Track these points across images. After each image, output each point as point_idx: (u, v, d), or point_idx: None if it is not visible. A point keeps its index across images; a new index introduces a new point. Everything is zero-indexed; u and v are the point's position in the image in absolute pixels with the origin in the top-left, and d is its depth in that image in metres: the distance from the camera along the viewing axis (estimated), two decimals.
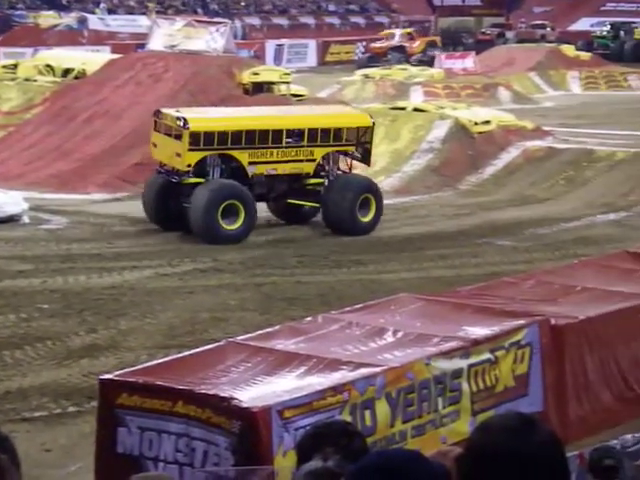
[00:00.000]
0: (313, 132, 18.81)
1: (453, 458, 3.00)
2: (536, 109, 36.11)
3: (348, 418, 7.94)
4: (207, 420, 7.72)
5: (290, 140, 18.69)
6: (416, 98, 35.60)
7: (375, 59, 51.52)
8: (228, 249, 17.83)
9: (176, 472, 7.74)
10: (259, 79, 28.64)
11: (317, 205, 19.15)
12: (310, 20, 65.82)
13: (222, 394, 7.83)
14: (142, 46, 33.57)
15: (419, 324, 9.75)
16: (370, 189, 19.19)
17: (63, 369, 12.04)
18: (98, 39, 50.84)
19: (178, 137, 18.12)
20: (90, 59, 31.98)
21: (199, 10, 58.48)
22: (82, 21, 54.00)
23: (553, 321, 9.95)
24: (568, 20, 68.32)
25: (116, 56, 31.67)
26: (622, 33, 59.07)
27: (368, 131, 19.28)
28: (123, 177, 23.40)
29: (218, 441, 7.65)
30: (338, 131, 19.15)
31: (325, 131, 18.99)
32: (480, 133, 25.22)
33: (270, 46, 54.55)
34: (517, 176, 24.03)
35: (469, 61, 46.67)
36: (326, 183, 19.03)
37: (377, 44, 53.66)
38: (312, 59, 57.76)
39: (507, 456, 2.49)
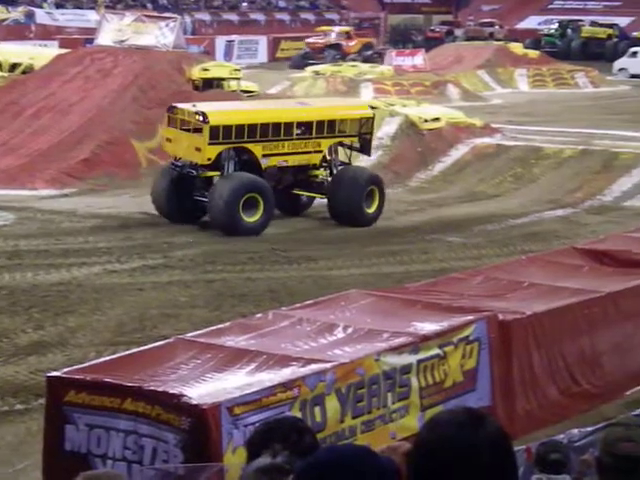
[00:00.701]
0: (320, 124, 19.32)
1: (402, 453, 3.02)
2: (485, 106, 36.38)
3: (298, 414, 7.94)
4: (156, 417, 7.68)
5: (299, 132, 19.19)
6: (366, 95, 35.72)
7: (310, 56, 51.43)
8: (179, 246, 17.76)
9: (125, 469, 7.69)
10: (209, 75, 28.54)
11: (322, 196, 19.57)
12: (260, 16, 65.69)
13: (171, 391, 7.79)
14: (91, 41, 33.29)
15: (369, 320, 9.78)
16: (375, 181, 19.78)
17: (10, 366, 11.91)
18: (46, 34, 50.29)
19: (197, 131, 18.44)
20: (38, 54, 31.69)
21: (148, 5, 58.06)
22: (29, 15, 53.39)
23: (501, 317, 10.03)
24: (516, 18, 68.89)
25: (64, 51, 31.35)
26: (569, 31, 59.68)
27: (369, 122, 19.84)
28: (71, 173, 23.20)
29: (167, 438, 7.62)
30: (343, 122, 19.71)
31: (331, 123, 19.50)
32: (430, 130, 25.36)
33: (220, 42, 54.35)
34: (466, 173, 24.20)
35: (419, 58, 46.88)
36: (328, 175, 19.58)
37: (313, 40, 53.56)
38: (262, 55, 57.66)
39: (456, 451, 2.51)
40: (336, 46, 52.33)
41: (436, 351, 9.34)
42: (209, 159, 18.37)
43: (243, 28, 60.57)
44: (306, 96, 34.63)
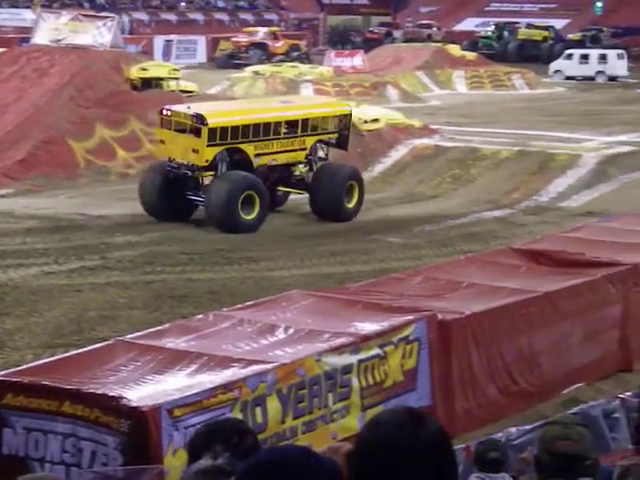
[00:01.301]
0: (305, 122, 19.93)
1: (344, 454, 3.02)
2: (424, 108, 36.60)
3: (239, 415, 7.93)
4: (95, 420, 7.62)
5: (286, 131, 19.74)
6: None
7: (236, 56, 51.27)
8: (117, 247, 17.62)
9: (63, 473, 7.62)
10: (148, 75, 28.35)
11: (303, 192, 20.05)
12: (199, 16, 65.41)
13: (110, 393, 7.73)
14: (27, 40, 32.86)
15: (310, 320, 9.79)
16: (355, 176, 20.38)
17: None
18: None
19: (194, 133, 18.72)
20: None
21: (85, 4, 57.47)
22: None
23: (440, 316, 10.11)
24: (453, 20, 69.47)
25: (0, 50, 30.90)
26: (506, 33, 60.32)
27: (347, 118, 20.55)
28: (8, 173, 22.88)
29: (106, 441, 7.56)
30: (325, 120, 20.36)
31: (314, 120, 20.13)
32: (369, 131, 25.46)
33: (158, 42, 53.99)
34: (405, 174, 24.34)
35: (358, 59, 47.04)
36: (308, 171, 20.07)
37: (239, 38, 53.38)
38: (201, 55, 57.40)
39: (396, 451, 2.52)
40: (262, 46, 52.04)
41: (376, 351, 9.38)
42: (207, 161, 18.71)
43: (181, 28, 60.26)
44: (246, 97, 34.58)
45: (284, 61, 48.12)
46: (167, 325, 10.04)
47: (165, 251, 17.46)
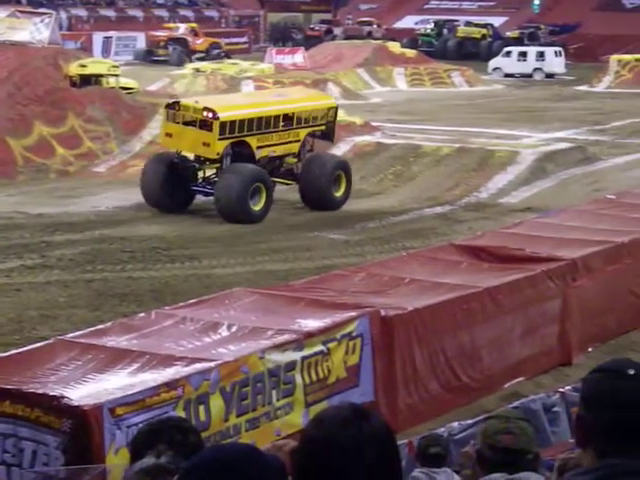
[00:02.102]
0: (300, 115, 20.68)
1: (287, 451, 3.02)
2: (365, 105, 36.71)
3: (182, 414, 7.89)
4: (36, 420, 7.53)
5: (284, 124, 20.39)
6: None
7: (153, 52, 50.88)
8: (57, 246, 17.43)
9: (3, 473, 7.53)
10: (87, 71, 28.08)
11: (292, 183, 20.66)
12: (138, 12, 64.91)
13: (51, 393, 7.65)
14: None
15: (253, 318, 9.78)
16: (342, 166, 20.99)
17: None
18: None
19: (204, 127, 19.18)
20: None
21: (22, 0, 56.74)
22: None
23: (383, 312, 10.15)
24: (393, 17, 69.81)
25: None
26: (445, 31, 60.75)
27: (332, 111, 21.36)
28: None
29: (48, 440, 7.48)
30: (315, 112, 21.09)
31: (307, 113, 20.90)
32: None
33: (97, 38, 53.49)
34: None
35: (299, 56, 47.07)
36: (297, 162, 20.75)
37: (157, 33, 52.97)
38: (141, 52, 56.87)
39: (341, 447, 2.52)
40: (181, 42, 51.55)
41: (320, 348, 9.39)
42: (218, 153, 19.26)
43: (121, 24, 59.76)
44: (186, 93, 34.39)
45: (204, 59, 47.89)
46: (109, 324, 9.96)
47: (106, 249, 17.31)
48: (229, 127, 19.26)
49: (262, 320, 9.70)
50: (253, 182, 19.14)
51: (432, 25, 61.83)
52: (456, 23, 61.85)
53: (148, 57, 49.93)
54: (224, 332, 9.27)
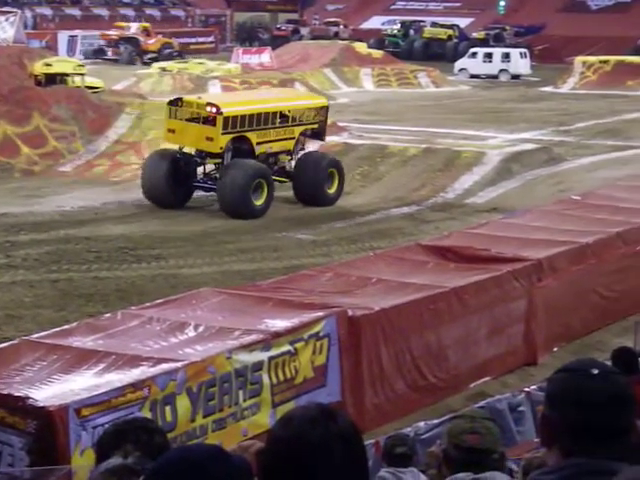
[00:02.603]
0: (295, 113, 21.21)
1: (254, 452, 3.02)
2: (332, 105, 36.53)
3: (148, 414, 7.87)
4: (1, 420, 7.48)
5: (281, 121, 20.92)
6: (214, 92, 35.54)
7: (103, 51, 50.61)
8: (22, 245, 17.30)
9: None
10: (52, 70, 27.91)
11: (286, 180, 21.08)
12: (104, 11, 64.58)
13: (16, 393, 7.60)
14: None
15: (220, 318, 9.76)
16: (335, 164, 21.58)
17: None
18: None
19: (208, 122, 19.70)
20: None
21: None
22: None
23: (350, 312, 10.16)
24: (360, 18, 69.91)
25: None
26: (412, 32, 60.91)
27: (324, 110, 21.92)
28: None
29: (12, 441, 7.43)
30: (309, 111, 21.64)
31: (302, 111, 21.45)
32: None
33: (62, 37, 53.13)
34: None
35: (265, 56, 47.03)
36: (290, 159, 21.26)
37: (109, 32, 52.68)
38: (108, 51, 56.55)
39: (308, 447, 2.52)
40: (132, 40, 51.24)
41: (287, 348, 9.39)
42: (221, 148, 19.77)
43: (86, 23, 59.40)
44: (152, 93, 34.28)
45: (156, 59, 47.71)
46: (74, 324, 9.91)
47: (71, 249, 17.20)
48: (231, 122, 19.79)
49: (229, 320, 9.69)
50: (255, 178, 19.66)
51: (398, 26, 61.96)
52: (422, 24, 62.03)
53: (98, 56, 49.52)
54: (191, 332, 9.25)
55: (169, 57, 48.39)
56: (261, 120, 20.43)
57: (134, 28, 52.73)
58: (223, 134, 19.66)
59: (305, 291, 10.92)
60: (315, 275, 11.82)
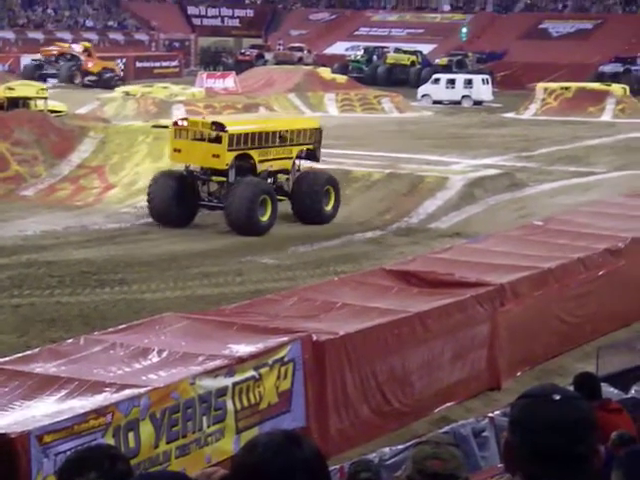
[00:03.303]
0: (292, 133, 22.18)
1: (217, 479, 3.01)
2: None
3: (111, 441, 7.80)
4: None
5: (280, 140, 21.92)
6: (178, 116, 35.51)
7: (43, 67, 50.35)
8: None
9: None
10: (15, 94, 27.79)
11: (284, 199, 21.81)
12: (67, 35, 64.44)
13: None
14: None
15: (184, 343, 9.71)
16: (331, 182, 22.42)
17: None
18: None
19: (214, 140, 20.68)
20: None
21: None
22: None
23: (315, 337, 10.15)
24: (324, 43, 70.26)
25: None
26: (375, 57, 61.29)
27: (319, 132, 22.90)
28: None
29: None
30: (305, 132, 22.62)
31: (299, 132, 22.42)
32: None
33: (26, 61, 52.89)
34: None
35: (230, 81, 47.12)
36: (287, 179, 22.17)
37: (50, 48, 52.43)
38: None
39: (272, 474, 2.52)
40: (74, 59, 50.94)
41: (251, 373, 9.36)
42: (227, 164, 20.73)
43: (49, 47, 59.28)
44: (116, 117, 34.21)
45: (97, 82, 47.57)
46: (36, 350, 9.82)
47: (33, 274, 17.07)
48: (236, 140, 20.78)
49: (193, 345, 9.64)
50: (261, 194, 20.62)
51: (362, 51, 62.33)
52: (386, 50, 62.43)
53: (37, 72, 49.14)
54: (154, 358, 9.20)
55: (109, 82, 48.13)
56: (262, 139, 21.37)
57: (76, 47, 52.41)
58: (229, 151, 20.64)
59: (270, 316, 10.90)
60: (279, 300, 11.81)
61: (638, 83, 54.22)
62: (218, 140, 20.59)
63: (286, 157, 22.08)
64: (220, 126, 20.73)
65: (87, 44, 54.32)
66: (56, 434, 7.57)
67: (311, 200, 21.70)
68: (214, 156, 20.68)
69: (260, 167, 21.41)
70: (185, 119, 21.72)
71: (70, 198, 24.05)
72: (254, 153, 21.24)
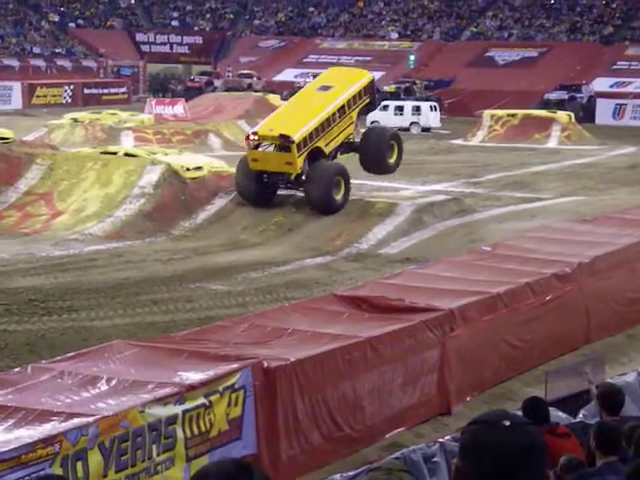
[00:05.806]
0: (349, 102, 24.04)
1: None
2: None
3: (59, 470, 7.71)
4: None
5: (340, 114, 23.87)
6: (127, 143, 35.43)
7: None
8: None
9: None
10: None
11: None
12: (14, 62, 64.01)
13: None
14: None
15: (133, 371, 9.64)
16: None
17: None
18: None
19: (284, 149, 22.96)
20: None
21: None
22: None
23: (266, 364, 10.13)
24: (273, 70, 70.44)
25: None
26: None
27: (370, 84, 25.07)
28: None
29: None
30: (359, 94, 24.44)
31: (354, 98, 24.23)
32: (192, 179, 25.42)
33: None
34: (229, 221, 24.37)
35: (179, 107, 47.10)
36: (354, 136, 24.58)
37: None
38: (17, 101, 56.16)
39: None
40: None
41: (202, 400, 9.31)
42: (300, 168, 23.04)
43: None
44: (64, 143, 33.99)
45: None
46: None
47: None
48: (303, 143, 22.87)
49: (142, 373, 9.57)
50: (335, 176, 23.04)
51: (311, 78, 62.54)
52: None
53: None
54: (103, 386, 9.12)
55: None
56: (324, 126, 23.32)
57: None
58: (299, 156, 22.81)
59: (220, 342, 10.86)
60: (230, 326, 11.77)
61: (583, 110, 55.02)
62: (288, 149, 22.72)
63: (348, 125, 24.02)
64: (286, 138, 22.66)
65: None
66: (3, 464, 7.46)
67: (377, 152, 24.49)
68: (287, 163, 22.95)
69: (327, 150, 23.53)
70: (255, 133, 23.37)
71: (17, 225, 23.82)
72: (321, 142, 23.28)
